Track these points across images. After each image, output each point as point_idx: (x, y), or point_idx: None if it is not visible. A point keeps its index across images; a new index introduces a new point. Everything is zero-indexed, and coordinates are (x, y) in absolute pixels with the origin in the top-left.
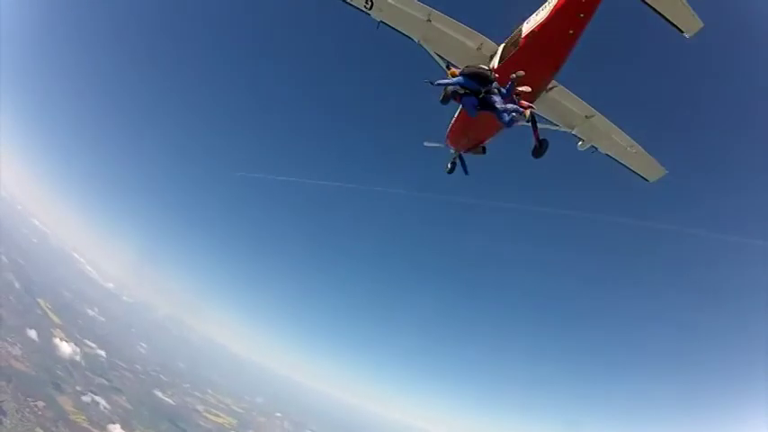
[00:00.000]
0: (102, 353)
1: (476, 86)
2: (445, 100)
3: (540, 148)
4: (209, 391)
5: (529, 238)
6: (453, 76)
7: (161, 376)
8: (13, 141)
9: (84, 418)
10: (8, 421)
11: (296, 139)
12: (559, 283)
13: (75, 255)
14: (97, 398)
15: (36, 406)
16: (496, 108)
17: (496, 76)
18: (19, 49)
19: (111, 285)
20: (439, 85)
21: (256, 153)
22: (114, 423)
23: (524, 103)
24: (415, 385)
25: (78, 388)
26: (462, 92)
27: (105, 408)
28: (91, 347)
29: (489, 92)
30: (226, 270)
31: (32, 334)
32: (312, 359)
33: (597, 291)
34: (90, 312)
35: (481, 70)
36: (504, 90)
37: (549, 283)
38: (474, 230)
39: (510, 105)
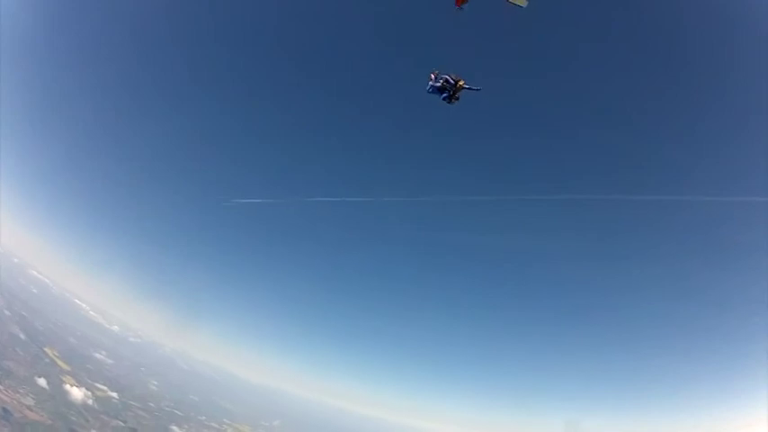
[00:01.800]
0: (115, 394)
1: None
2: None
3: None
4: (226, 420)
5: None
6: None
7: (176, 411)
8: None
9: None
10: None
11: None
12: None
13: (78, 301)
14: None
15: None
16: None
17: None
18: None
19: (116, 328)
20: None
21: (241, 178)
22: None
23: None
24: (422, 387)
25: (94, 431)
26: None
27: None
28: (102, 390)
29: None
30: (227, 298)
31: (42, 382)
32: (323, 375)
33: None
34: (98, 356)
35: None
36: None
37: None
38: (463, 225)
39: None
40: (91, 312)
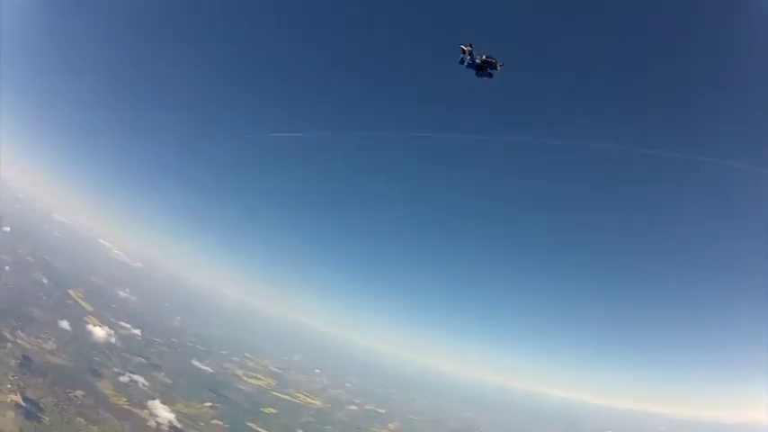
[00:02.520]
0: (138, 332)
1: None
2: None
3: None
4: (247, 354)
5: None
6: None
7: (198, 346)
8: (17, 140)
9: (124, 399)
10: (47, 418)
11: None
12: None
13: (101, 241)
14: (135, 376)
15: (75, 396)
16: None
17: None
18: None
19: (140, 265)
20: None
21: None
22: (154, 399)
23: None
24: (445, 330)
25: (116, 370)
26: None
27: (144, 385)
28: (126, 328)
29: None
30: (251, 232)
31: (65, 324)
32: (347, 312)
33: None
34: (122, 294)
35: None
36: None
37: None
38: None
39: None
40: (115, 251)
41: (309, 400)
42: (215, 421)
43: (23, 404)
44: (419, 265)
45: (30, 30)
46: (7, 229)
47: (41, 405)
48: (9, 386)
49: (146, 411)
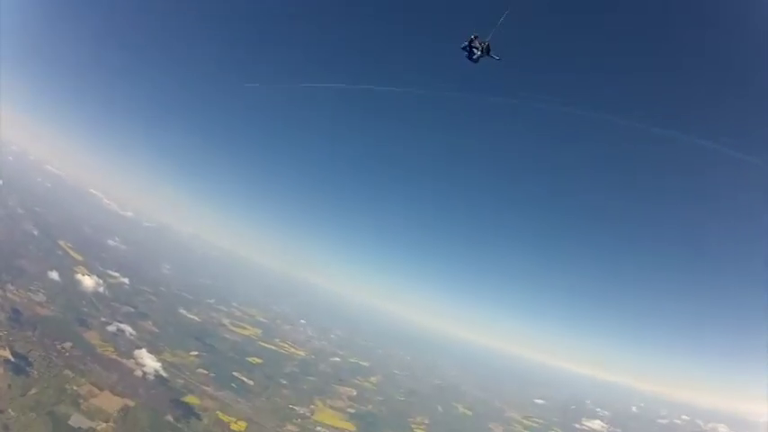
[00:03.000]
0: (126, 280)
1: None
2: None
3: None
4: (234, 304)
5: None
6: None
7: (186, 295)
8: (13, 95)
9: (111, 348)
10: (35, 371)
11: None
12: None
13: (92, 190)
14: (123, 326)
15: (63, 348)
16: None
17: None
18: None
19: (130, 214)
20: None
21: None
22: (140, 348)
23: None
24: (433, 283)
25: (104, 320)
26: None
27: (131, 334)
28: (114, 277)
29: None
30: (240, 182)
31: (54, 275)
32: (333, 263)
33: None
34: (111, 243)
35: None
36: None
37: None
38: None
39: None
40: (105, 200)
41: (294, 350)
42: (200, 370)
43: (12, 359)
44: (413, 219)
45: None
46: None
47: (30, 359)
48: None
49: (132, 361)
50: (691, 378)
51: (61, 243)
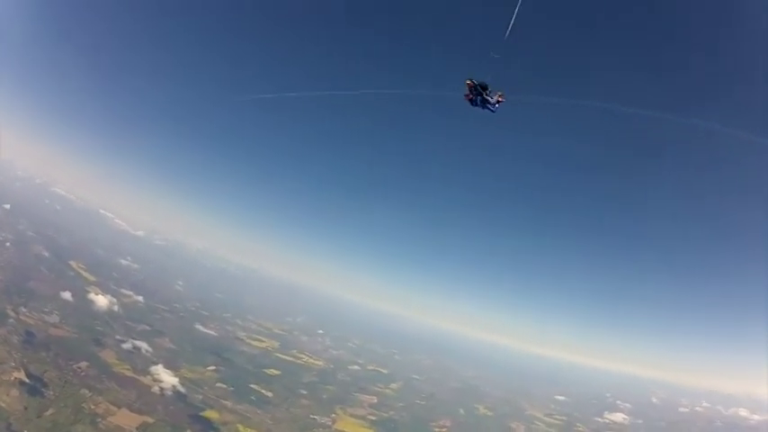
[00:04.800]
0: (140, 299)
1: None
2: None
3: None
4: (250, 317)
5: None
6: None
7: (201, 311)
8: (17, 118)
9: (128, 366)
10: (51, 392)
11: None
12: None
13: (103, 211)
14: (138, 343)
15: (78, 367)
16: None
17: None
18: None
19: (141, 233)
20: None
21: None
22: (157, 365)
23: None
24: (453, 291)
25: (118, 338)
26: None
27: (148, 352)
28: (128, 296)
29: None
30: (246, 194)
31: (67, 296)
32: (344, 271)
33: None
34: (124, 262)
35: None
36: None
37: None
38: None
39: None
40: (116, 221)
41: (312, 360)
42: (219, 384)
43: (27, 381)
44: (425, 223)
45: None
46: (7, 206)
47: (45, 380)
48: (13, 364)
49: (149, 378)
50: (709, 365)
51: (73, 264)
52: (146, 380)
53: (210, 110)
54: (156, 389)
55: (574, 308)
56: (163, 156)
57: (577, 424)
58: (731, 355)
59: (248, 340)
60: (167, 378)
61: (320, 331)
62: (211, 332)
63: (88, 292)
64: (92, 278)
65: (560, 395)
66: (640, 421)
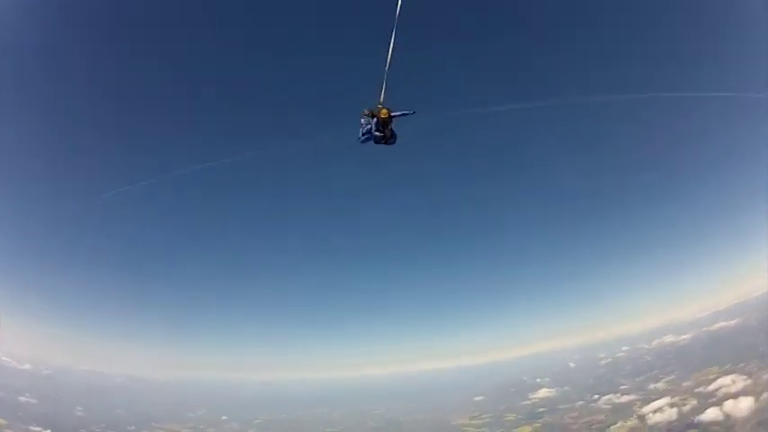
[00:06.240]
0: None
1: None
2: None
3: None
4: (155, 424)
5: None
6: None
7: (108, 431)
8: None
9: None
10: None
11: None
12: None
13: None
14: None
15: None
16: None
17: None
18: None
19: (27, 366)
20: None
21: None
22: None
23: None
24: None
25: None
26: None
27: None
28: (37, 431)
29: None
30: (112, 300)
31: None
32: (234, 354)
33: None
34: (23, 399)
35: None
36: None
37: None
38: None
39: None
40: (3, 358)
41: None
42: None
43: None
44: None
45: None
46: None
47: None
48: None
49: None
50: (615, 312)
51: None
52: None
53: (74, 210)
54: None
55: (455, 312)
56: (15, 279)
57: (506, 414)
58: (635, 293)
59: None
60: None
61: (224, 418)
62: None
63: None
64: (3, 422)
65: (478, 395)
66: (567, 388)
